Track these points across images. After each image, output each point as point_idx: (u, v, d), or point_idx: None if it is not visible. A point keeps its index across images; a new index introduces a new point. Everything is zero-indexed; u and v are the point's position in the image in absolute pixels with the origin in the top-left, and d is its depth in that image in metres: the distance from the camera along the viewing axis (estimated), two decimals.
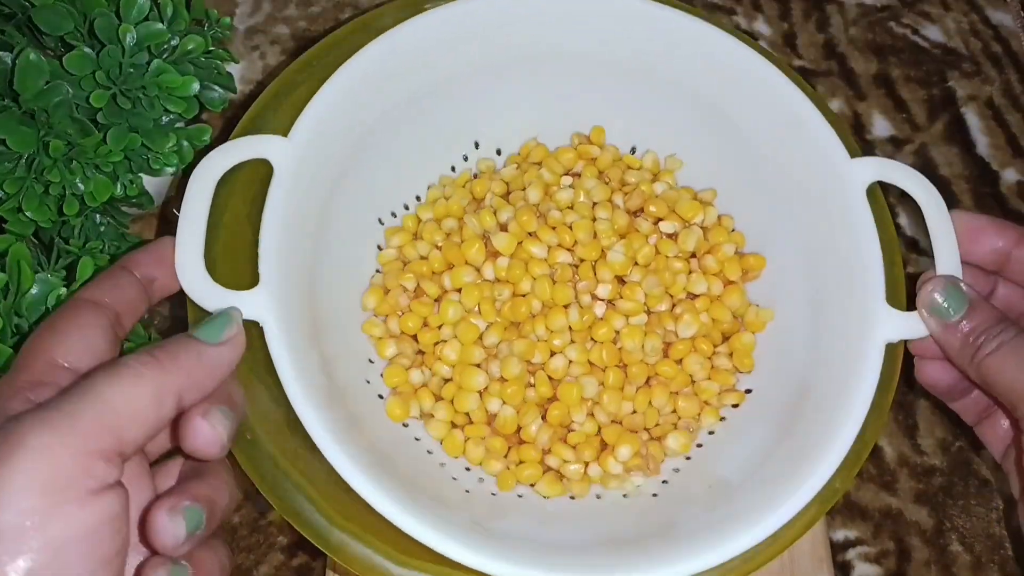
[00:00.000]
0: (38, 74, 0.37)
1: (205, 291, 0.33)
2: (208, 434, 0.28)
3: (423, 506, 0.32)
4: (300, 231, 0.37)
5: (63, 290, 0.35)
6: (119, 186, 0.40)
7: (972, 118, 0.57)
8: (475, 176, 0.46)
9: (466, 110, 0.44)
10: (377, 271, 0.44)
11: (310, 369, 0.34)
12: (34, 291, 0.35)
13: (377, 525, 0.32)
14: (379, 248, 0.44)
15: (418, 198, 0.45)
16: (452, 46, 0.41)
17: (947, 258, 0.36)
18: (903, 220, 0.54)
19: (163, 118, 0.41)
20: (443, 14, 0.40)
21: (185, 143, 0.41)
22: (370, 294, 0.42)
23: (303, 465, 0.32)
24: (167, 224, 0.50)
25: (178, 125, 0.42)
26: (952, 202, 0.51)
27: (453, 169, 0.46)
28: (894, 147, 0.56)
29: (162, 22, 0.40)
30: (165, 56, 0.40)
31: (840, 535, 0.43)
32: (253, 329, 0.33)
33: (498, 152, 0.47)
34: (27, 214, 0.37)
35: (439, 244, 0.43)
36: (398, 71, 0.40)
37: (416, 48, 0.40)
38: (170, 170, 0.41)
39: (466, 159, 0.46)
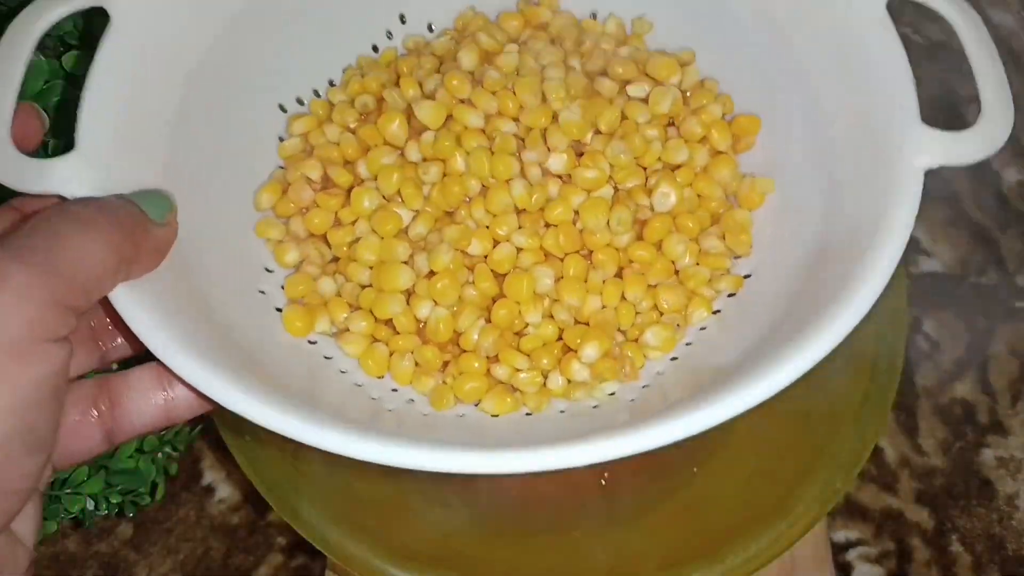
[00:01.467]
0: (38, 74, 0.36)
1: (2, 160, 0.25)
2: None
3: (324, 413, 0.24)
4: (149, 102, 0.29)
5: None
6: None
7: (973, 118, 0.54)
8: (402, 56, 0.38)
9: None
10: (280, 168, 0.35)
11: None
12: None
13: (377, 526, 0.31)
14: (281, 140, 0.35)
15: (332, 83, 0.37)
16: None
17: (993, 91, 0.28)
18: None
19: None
20: None
21: None
22: (266, 190, 0.33)
23: (302, 466, 0.32)
24: None
25: None
26: (953, 203, 0.54)
27: (375, 49, 0.38)
28: None
29: None
30: None
31: (841, 536, 0.42)
32: None
33: (430, 28, 0.39)
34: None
35: (352, 126, 0.35)
36: None
37: None
38: None
39: (390, 36, 0.38)
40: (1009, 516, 0.44)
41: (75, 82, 0.37)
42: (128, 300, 0.24)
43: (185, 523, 0.44)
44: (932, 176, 0.27)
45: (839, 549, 0.42)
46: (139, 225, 0.25)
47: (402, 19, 0.38)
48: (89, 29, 0.37)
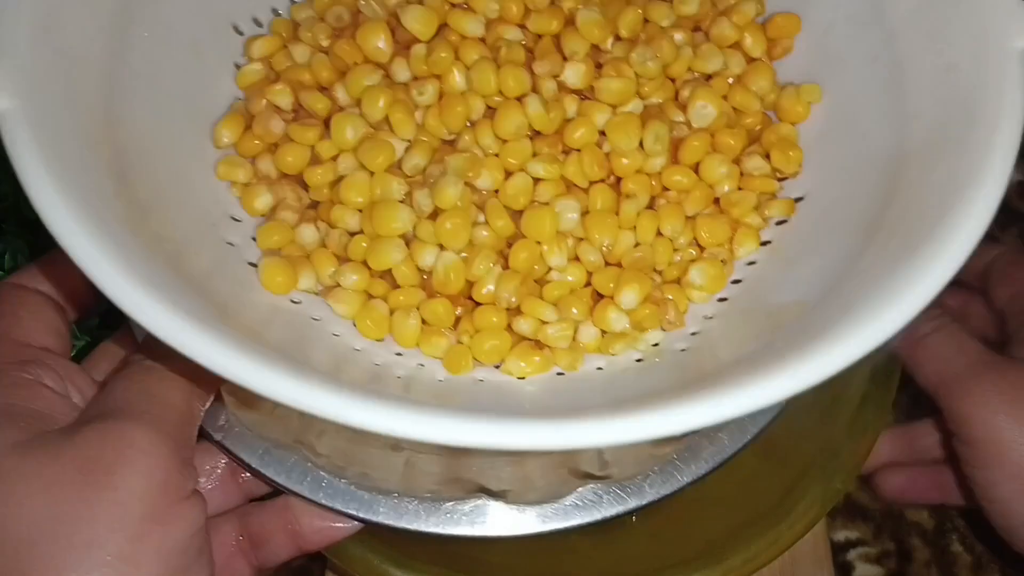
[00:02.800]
0: None
1: None
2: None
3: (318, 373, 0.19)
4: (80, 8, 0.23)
5: None
6: None
7: None
8: None
9: None
10: (239, 100, 0.30)
11: (98, 189, 0.20)
12: None
13: (377, 527, 0.28)
14: (237, 67, 0.30)
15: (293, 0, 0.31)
16: None
17: None
18: None
19: None
20: None
21: None
22: (226, 123, 0.28)
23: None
24: None
25: None
26: None
27: None
28: None
29: None
30: None
31: (841, 535, 0.42)
32: None
33: None
34: (25, 214, 0.36)
35: (325, 45, 0.29)
36: None
37: None
38: None
39: None
40: None
41: None
42: (89, 252, 0.19)
43: None
44: None
45: (839, 549, 0.41)
46: None
47: None
48: None
